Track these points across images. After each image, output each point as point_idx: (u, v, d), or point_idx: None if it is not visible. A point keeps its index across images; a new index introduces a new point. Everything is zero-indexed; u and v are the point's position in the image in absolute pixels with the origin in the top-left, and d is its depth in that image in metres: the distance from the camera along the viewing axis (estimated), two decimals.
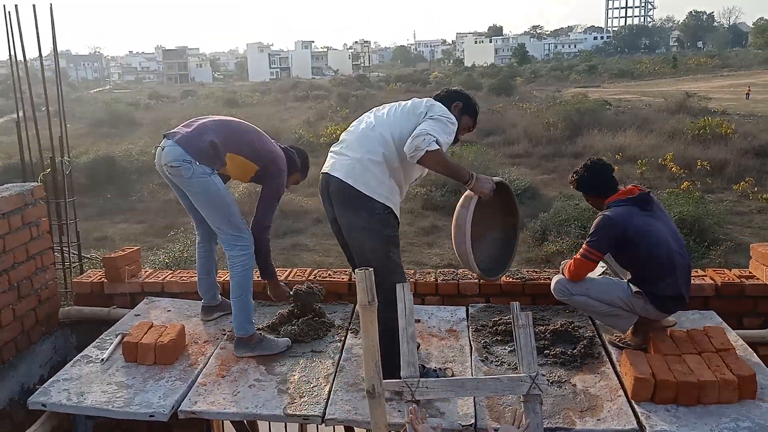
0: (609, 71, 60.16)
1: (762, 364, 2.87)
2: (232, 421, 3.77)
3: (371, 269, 2.35)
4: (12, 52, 4.18)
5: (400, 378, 2.65)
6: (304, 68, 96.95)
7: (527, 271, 3.81)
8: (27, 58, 4.27)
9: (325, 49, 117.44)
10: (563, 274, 3.13)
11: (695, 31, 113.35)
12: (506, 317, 3.41)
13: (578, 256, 3.02)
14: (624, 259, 3.07)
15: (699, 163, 15.60)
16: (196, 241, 3.50)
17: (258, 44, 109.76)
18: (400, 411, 2.67)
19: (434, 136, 2.80)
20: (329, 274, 3.90)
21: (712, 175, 15.37)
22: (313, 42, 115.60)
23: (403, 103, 3.11)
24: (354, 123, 3.17)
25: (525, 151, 20.63)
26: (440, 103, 3.03)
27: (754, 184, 13.99)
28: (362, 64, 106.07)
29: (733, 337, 3.08)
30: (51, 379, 3.01)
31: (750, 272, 3.61)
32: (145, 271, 4.11)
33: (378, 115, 3.06)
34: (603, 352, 3.11)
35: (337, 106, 31.93)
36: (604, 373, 2.93)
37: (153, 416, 2.76)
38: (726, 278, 3.55)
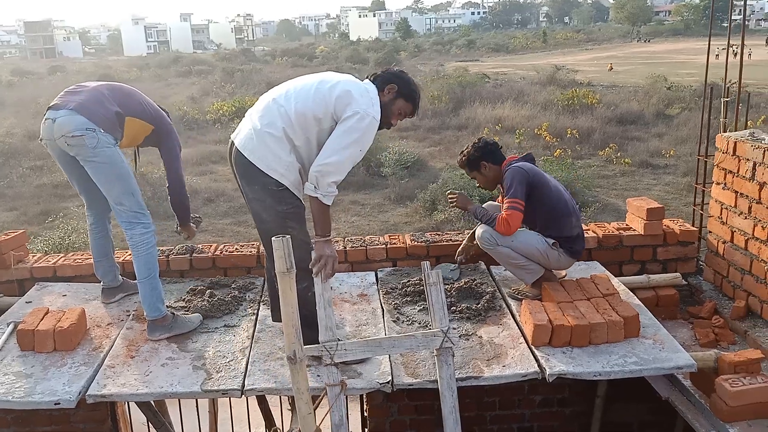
0: (486, 45, 62.48)
1: (642, 305, 3.21)
2: (138, 404, 3.68)
3: (288, 237, 2.36)
4: None
5: (317, 344, 2.71)
6: (185, 42, 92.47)
7: (430, 234, 3.97)
8: None
9: (207, 22, 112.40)
10: (494, 230, 3.25)
11: (562, 6, 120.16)
12: (414, 279, 3.56)
13: (507, 211, 3.19)
14: (534, 204, 3.25)
15: (569, 132, 16.63)
16: (88, 223, 3.33)
17: (132, 16, 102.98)
18: (318, 376, 2.72)
19: (335, 191, 2.74)
20: (236, 249, 3.85)
21: (581, 142, 16.43)
22: (192, 14, 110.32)
23: (319, 79, 2.85)
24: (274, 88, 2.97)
25: (412, 125, 20.95)
26: (366, 93, 2.78)
27: (617, 149, 15.11)
28: (246, 38, 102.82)
29: (616, 283, 3.40)
30: None
31: (627, 225, 3.98)
32: (33, 256, 3.85)
33: (288, 88, 2.86)
34: (504, 305, 3.33)
35: (222, 82, 30.69)
36: (506, 323, 3.15)
37: (59, 404, 2.63)
38: (606, 231, 3.89)
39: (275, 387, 2.73)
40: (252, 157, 2.78)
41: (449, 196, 3.53)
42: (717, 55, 4.68)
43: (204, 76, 35.30)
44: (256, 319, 3.26)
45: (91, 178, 2.97)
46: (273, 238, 2.35)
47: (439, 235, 3.97)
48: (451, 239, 3.86)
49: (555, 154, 14.38)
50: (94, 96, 2.94)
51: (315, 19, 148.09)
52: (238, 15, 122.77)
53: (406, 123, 21.09)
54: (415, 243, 3.85)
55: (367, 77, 2.94)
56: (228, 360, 2.90)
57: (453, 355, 2.66)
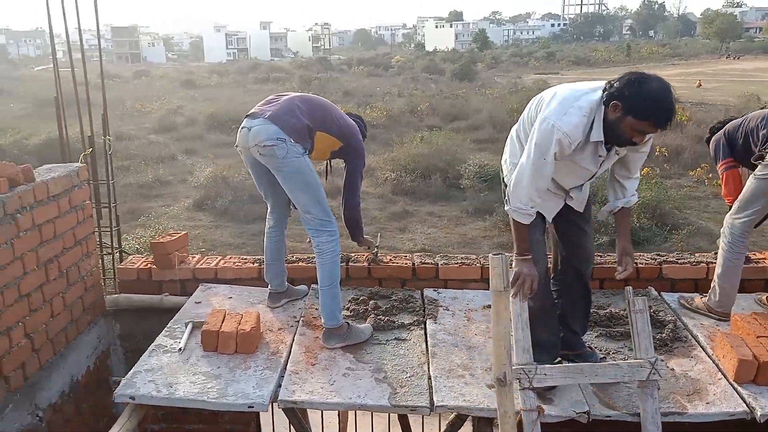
0: (566, 58, 61.18)
1: None
2: (284, 409, 3.67)
3: (506, 255, 2.29)
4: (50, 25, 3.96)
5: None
6: (263, 50, 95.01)
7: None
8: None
9: (285, 31, 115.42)
10: (730, 203, 3.32)
11: (647, 19, 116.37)
12: None
13: (722, 176, 3.40)
14: (741, 146, 3.31)
15: (657, 150, 15.93)
16: (267, 226, 3.37)
17: (214, 24, 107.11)
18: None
19: (524, 208, 2.59)
20: (391, 260, 3.81)
21: (669, 161, 15.65)
22: (271, 23, 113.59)
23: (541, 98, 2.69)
24: None
25: (490, 137, 20.62)
26: (570, 102, 2.52)
27: (709, 170, 14.32)
28: (323, 47, 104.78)
29: None
30: (132, 371, 2.85)
31: None
32: (193, 257, 3.93)
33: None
34: (689, 336, 3.13)
35: (299, 89, 31.36)
36: (697, 356, 2.95)
37: (252, 407, 2.64)
38: None
39: (466, 406, 2.64)
40: (502, 159, 2.88)
41: None
42: None
43: (281, 83, 35.96)
44: (426, 333, 3.19)
45: (281, 185, 3.00)
46: (490, 255, 2.28)
47: (600, 256, 3.80)
48: (616, 261, 3.67)
49: (642, 172, 13.84)
50: (287, 107, 2.97)
51: (391, 29, 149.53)
52: (316, 24, 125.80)
53: (485, 135, 20.79)
54: None
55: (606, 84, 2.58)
56: (408, 375, 2.84)
57: (658, 389, 2.51)
